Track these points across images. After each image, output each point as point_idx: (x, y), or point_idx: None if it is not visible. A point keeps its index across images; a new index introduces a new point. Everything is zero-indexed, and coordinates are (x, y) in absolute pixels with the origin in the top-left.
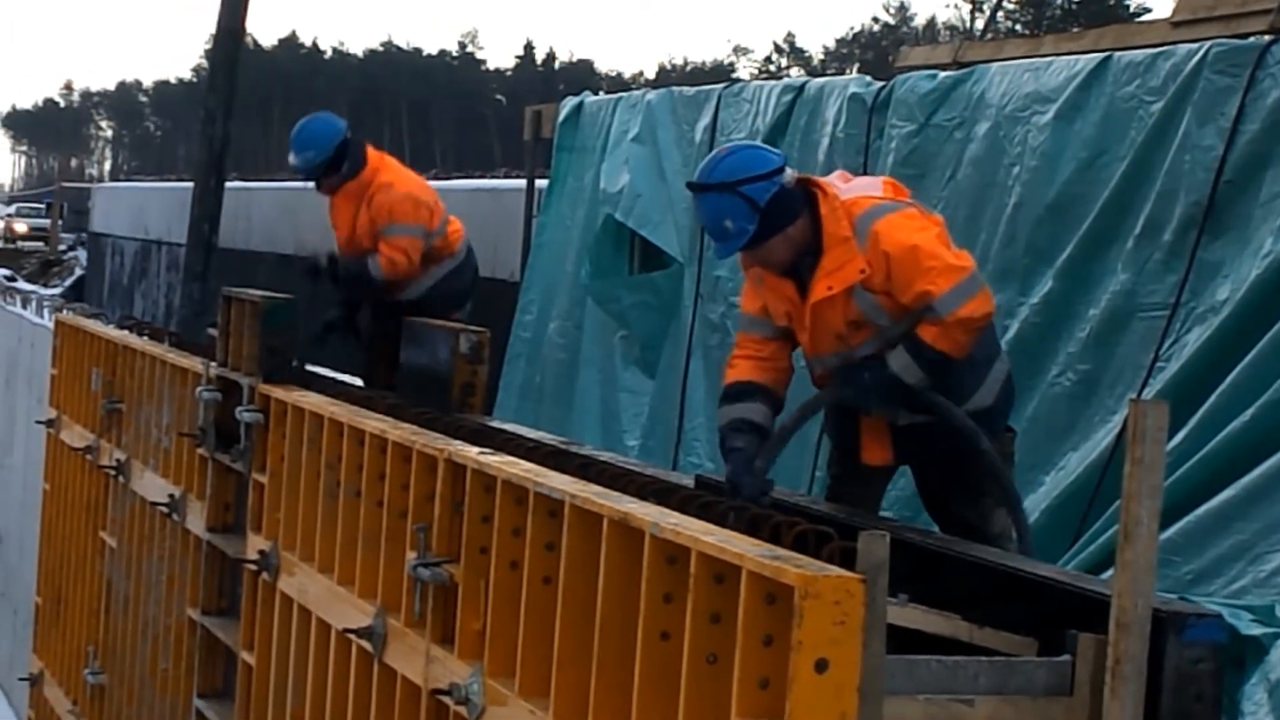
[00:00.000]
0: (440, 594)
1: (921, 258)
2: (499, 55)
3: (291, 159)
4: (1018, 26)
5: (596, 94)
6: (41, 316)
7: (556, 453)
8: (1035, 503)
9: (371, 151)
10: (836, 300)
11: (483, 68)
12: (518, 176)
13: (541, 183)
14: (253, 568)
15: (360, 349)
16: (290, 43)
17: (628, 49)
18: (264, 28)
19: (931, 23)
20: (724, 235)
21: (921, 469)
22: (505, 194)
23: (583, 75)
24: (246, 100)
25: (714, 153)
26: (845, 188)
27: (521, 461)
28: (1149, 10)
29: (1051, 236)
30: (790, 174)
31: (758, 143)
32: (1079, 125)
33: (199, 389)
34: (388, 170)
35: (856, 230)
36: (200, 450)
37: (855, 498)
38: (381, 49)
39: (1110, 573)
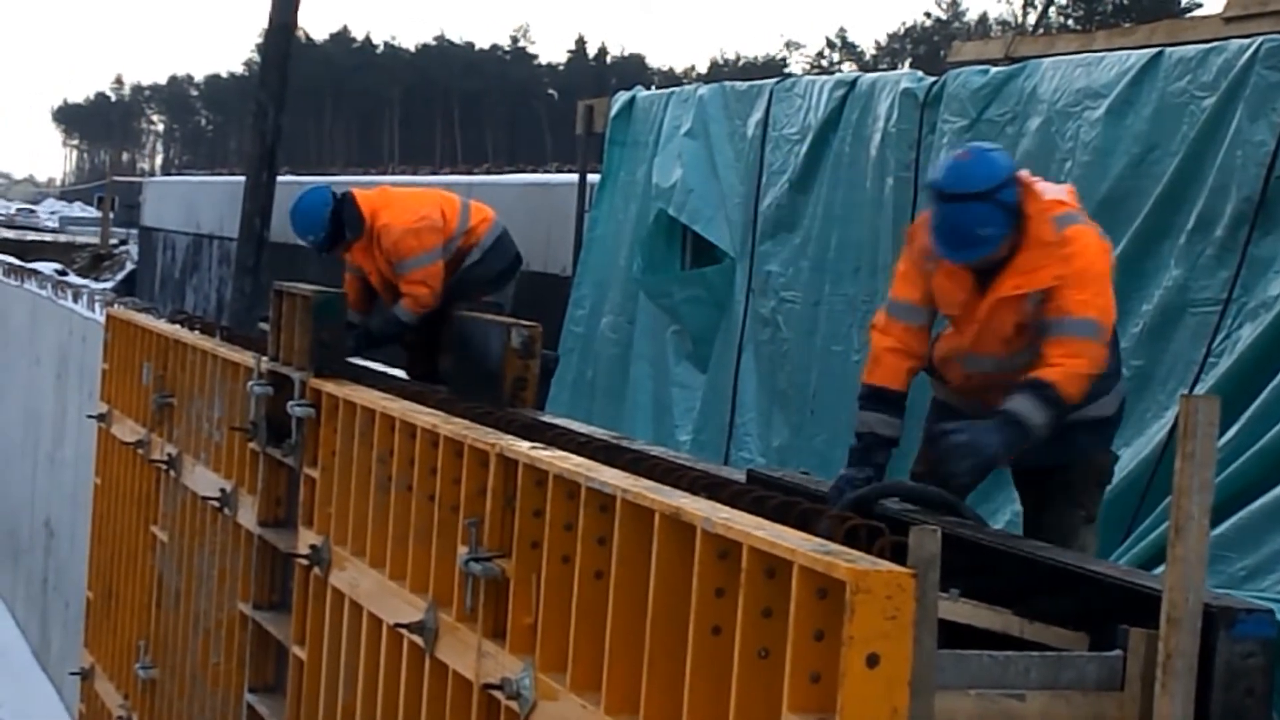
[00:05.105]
0: (492, 589)
1: (1085, 278)
2: (551, 50)
3: (302, 240)
4: (1069, 22)
5: (649, 89)
6: (93, 311)
7: (608, 447)
8: None
9: (364, 198)
10: (1018, 302)
11: (535, 62)
12: (570, 171)
13: (593, 177)
14: (304, 562)
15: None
16: (342, 37)
17: (680, 44)
18: (316, 22)
19: (983, 18)
20: (974, 242)
21: (1024, 474)
22: (557, 189)
23: (635, 70)
24: (298, 94)
25: (951, 158)
26: (1041, 188)
27: (573, 456)
28: (1200, 5)
29: (1103, 232)
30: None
31: (984, 143)
32: (1131, 120)
33: (250, 383)
34: (384, 210)
35: (1056, 233)
36: (251, 444)
37: None
38: (434, 43)
39: (1161, 568)
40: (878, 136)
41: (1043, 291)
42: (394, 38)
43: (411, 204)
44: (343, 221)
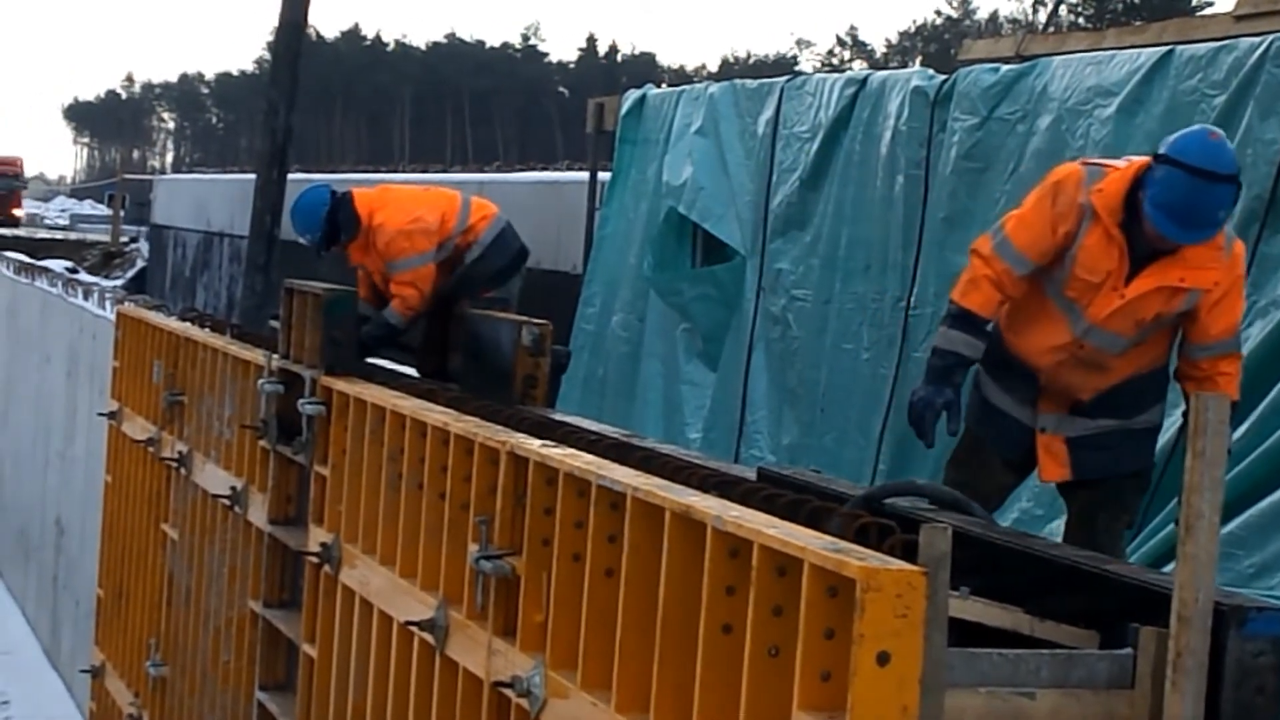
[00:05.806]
0: (502, 586)
1: (1241, 296)
2: (561, 48)
3: (299, 239)
4: (1080, 20)
5: (659, 87)
6: (103, 308)
7: (619, 445)
8: None
9: (362, 198)
10: (1177, 294)
11: (545, 60)
12: (580, 169)
13: (604, 175)
14: (314, 560)
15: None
16: (353, 35)
17: (690, 42)
18: (326, 20)
19: (994, 16)
20: (1209, 223)
21: (1080, 482)
22: (567, 187)
23: (645, 68)
24: (309, 92)
25: (1203, 135)
26: None
27: (584, 454)
28: (1211, 4)
29: None
30: None
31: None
32: (1141, 119)
33: (261, 381)
34: (380, 210)
35: (1226, 241)
36: (262, 442)
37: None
38: (444, 41)
39: (1172, 566)
40: (888, 134)
41: (1199, 291)
42: (405, 36)
43: (408, 204)
44: (338, 224)
